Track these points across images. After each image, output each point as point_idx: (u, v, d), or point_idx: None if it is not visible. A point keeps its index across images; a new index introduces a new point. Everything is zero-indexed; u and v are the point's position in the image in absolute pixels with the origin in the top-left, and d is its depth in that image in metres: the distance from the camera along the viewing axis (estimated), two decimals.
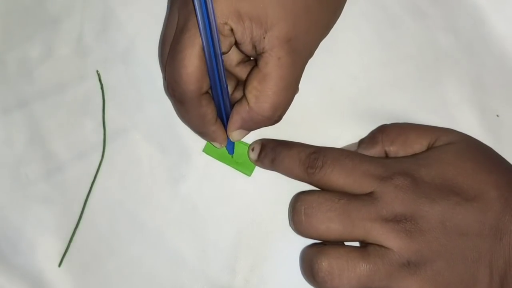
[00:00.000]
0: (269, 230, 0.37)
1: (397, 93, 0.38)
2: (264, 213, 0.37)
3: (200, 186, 0.38)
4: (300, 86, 0.37)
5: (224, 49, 0.31)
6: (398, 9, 0.39)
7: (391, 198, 0.31)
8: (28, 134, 0.39)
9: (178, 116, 0.37)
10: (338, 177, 0.32)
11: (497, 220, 0.30)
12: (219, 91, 0.32)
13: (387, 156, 0.35)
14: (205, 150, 0.38)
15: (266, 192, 0.37)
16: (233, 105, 0.34)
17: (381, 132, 0.36)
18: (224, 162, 0.38)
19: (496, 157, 0.34)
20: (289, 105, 0.33)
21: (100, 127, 0.38)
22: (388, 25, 0.39)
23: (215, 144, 0.35)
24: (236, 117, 0.33)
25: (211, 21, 0.28)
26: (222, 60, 0.31)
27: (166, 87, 0.34)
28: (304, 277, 0.33)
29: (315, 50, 0.34)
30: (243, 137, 0.35)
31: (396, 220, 0.30)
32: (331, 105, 0.38)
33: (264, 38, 0.30)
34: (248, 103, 0.32)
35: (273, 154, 0.35)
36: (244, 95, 0.32)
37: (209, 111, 0.33)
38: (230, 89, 0.35)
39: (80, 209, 0.37)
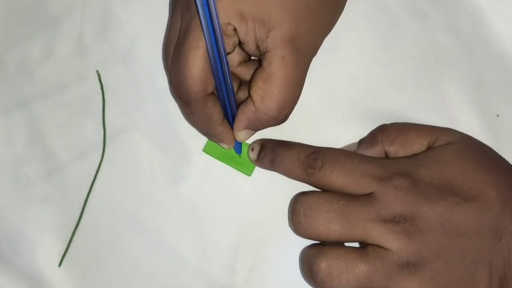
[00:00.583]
0: (269, 230, 0.37)
1: (397, 93, 0.38)
2: (264, 213, 0.37)
3: (200, 186, 0.38)
4: None
5: (228, 49, 0.31)
6: (399, 9, 0.39)
7: (391, 198, 0.31)
8: (28, 134, 0.39)
9: (185, 118, 0.37)
10: (337, 177, 0.32)
11: (497, 220, 0.30)
12: (225, 92, 0.32)
13: (387, 156, 0.35)
14: (205, 150, 0.38)
15: (266, 192, 0.37)
16: (238, 105, 0.34)
17: (381, 132, 0.36)
18: (224, 162, 0.38)
19: (496, 157, 0.34)
20: (295, 104, 0.33)
21: (100, 127, 0.38)
22: (388, 25, 0.39)
23: (223, 145, 0.35)
24: (242, 118, 0.33)
25: (214, 22, 0.28)
26: (227, 61, 0.31)
27: (172, 89, 0.34)
28: (304, 278, 0.33)
29: (318, 49, 0.34)
30: (249, 137, 0.35)
31: (396, 221, 0.30)
32: (331, 105, 0.38)
33: (267, 37, 0.30)
34: (254, 103, 0.32)
35: (272, 154, 0.35)
36: (249, 95, 0.32)
37: (215, 112, 0.33)
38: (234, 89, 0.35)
39: (80, 209, 0.37)
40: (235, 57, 0.35)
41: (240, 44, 0.32)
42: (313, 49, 0.34)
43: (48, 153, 0.38)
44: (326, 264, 0.31)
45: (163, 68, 0.39)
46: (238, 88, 0.36)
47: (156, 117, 0.38)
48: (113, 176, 0.38)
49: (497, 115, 0.38)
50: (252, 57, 0.36)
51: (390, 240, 0.30)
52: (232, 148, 0.37)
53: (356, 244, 0.34)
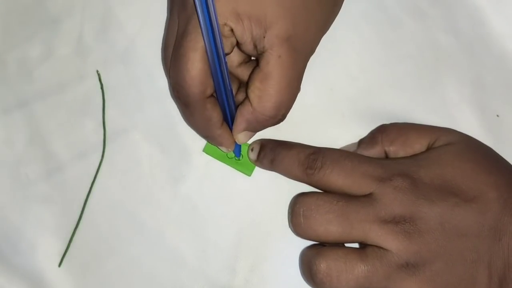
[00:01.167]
0: (269, 230, 0.37)
1: (397, 93, 0.38)
2: (264, 213, 0.37)
3: (200, 186, 0.38)
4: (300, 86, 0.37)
5: (226, 50, 0.31)
6: (398, 9, 0.39)
7: (390, 199, 0.31)
8: (28, 134, 0.39)
9: (184, 120, 0.37)
10: (337, 178, 0.32)
11: (496, 221, 0.30)
12: (224, 94, 0.32)
13: (387, 156, 0.35)
14: (205, 150, 0.38)
15: (266, 192, 0.37)
16: (238, 107, 0.34)
17: (381, 132, 0.36)
18: (224, 162, 0.38)
19: (496, 157, 0.34)
20: (293, 104, 0.33)
21: (100, 127, 0.38)
22: (388, 25, 0.39)
23: (222, 148, 0.35)
24: (241, 119, 0.33)
25: (213, 23, 0.28)
26: (226, 62, 0.31)
27: (171, 91, 0.34)
28: (303, 278, 0.33)
29: (316, 47, 0.34)
30: (249, 139, 0.35)
31: (395, 222, 0.30)
32: (331, 105, 0.38)
33: (264, 37, 0.30)
34: (251, 104, 0.32)
35: (272, 154, 0.35)
36: (247, 96, 0.32)
37: (214, 114, 0.33)
38: (233, 90, 0.35)
39: (80, 209, 0.38)
40: (234, 58, 0.35)
41: (238, 44, 0.32)
42: (311, 47, 0.33)
43: (48, 153, 0.38)
44: (325, 265, 0.31)
45: (163, 69, 0.39)
46: (238, 90, 0.36)
47: (156, 117, 0.38)
48: (113, 176, 0.38)
49: (497, 115, 0.38)
50: (253, 58, 0.36)
51: (389, 240, 0.30)
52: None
53: (356, 245, 0.34)
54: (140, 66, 0.39)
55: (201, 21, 0.28)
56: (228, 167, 0.38)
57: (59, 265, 0.37)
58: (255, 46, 0.31)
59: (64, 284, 0.37)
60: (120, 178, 0.38)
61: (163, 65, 0.38)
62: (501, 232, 0.30)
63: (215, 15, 0.28)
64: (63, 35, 0.40)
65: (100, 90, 0.39)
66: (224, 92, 0.32)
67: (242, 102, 0.33)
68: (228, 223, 0.37)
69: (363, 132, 0.37)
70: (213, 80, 0.31)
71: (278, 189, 0.37)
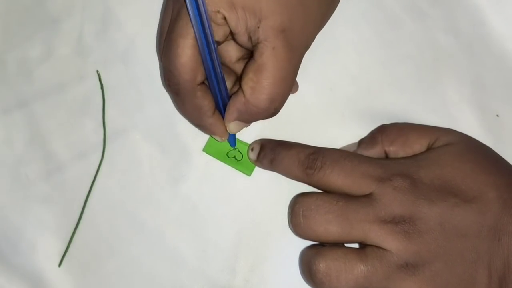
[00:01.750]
0: (269, 230, 0.37)
1: (397, 93, 0.38)
2: (264, 213, 0.37)
3: (200, 186, 0.38)
4: (300, 85, 0.37)
5: (218, 38, 0.31)
6: (398, 9, 0.39)
7: (390, 199, 0.31)
8: (28, 134, 0.39)
9: (177, 109, 0.37)
10: (337, 178, 0.32)
11: (496, 221, 0.30)
12: (214, 81, 0.32)
13: (387, 156, 0.35)
14: (205, 150, 0.38)
15: (266, 192, 0.37)
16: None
17: (381, 132, 0.36)
18: (224, 162, 0.38)
19: (496, 158, 0.34)
20: (286, 98, 0.33)
21: (100, 127, 0.38)
22: (388, 25, 0.39)
23: (215, 137, 0.35)
24: (233, 109, 0.33)
25: (200, 7, 0.28)
26: (216, 49, 0.30)
27: (163, 79, 0.34)
28: (303, 278, 0.33)
29: (311, 43, 0.34)
30: (241, 129, 0.35)
31: (395, 222, 0.30)
32: (331, 105, 0.38)
33: (258, 28, 0.30)
34: (244, 95, 0.32)
35: (272, 154, 0.35)
36: (240, 87, 0.32)
37: (205, 102, 0.32)
38: (229, 84, 0.35)
39: (80, 209, 0.38)
40: (233, 53, 0.35)
41: (233, 35, 0.32)
42: (306, 43, 0.33)
43: (48, 153, 0.38)
44: (325, 265, 0.31)
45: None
46: (235, 83, 0.35)
47: (156, 117, 0.38)
48: (113, 176, 0.38)
49: (497, 115, 0.38)
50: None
51: (389, 241, 0.30)
52: (232, 147, 0.37)
53: (356, 245, 0.34)
54: (140, 66, 0.39)
55: (188, 5, 0.28)
56: (228, 167, 0.38)
57: (59, 265, 0.37)
58: (250, 38, 0.31)
59: (64, 284, 0.37)
60: (120, 178, 0.38)
61: (157, 53, 0.38)
62: (500, 232, 0.30)
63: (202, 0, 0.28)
64: (63, 35, 0.40)
65: (100, 90, 0.39)
66: (215, 79, 0.32)
67: (235, 92, 0.33)
68: (228, 223, 0.37)
69: (363, 132, 0.37)
70: (204, 67, 0.31)
71: (278, 189, 0.37)
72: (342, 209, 0.31)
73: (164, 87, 0.38)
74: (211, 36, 0.30)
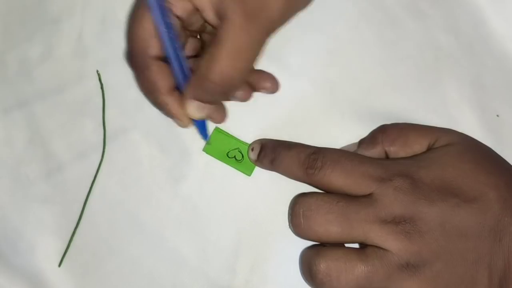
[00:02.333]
0: (269, 230, 0.37)
1: (397, 93, 0.38)
2: (264, 213, 0.37)
3: (200, 186, 0.38)
4: (300, 85, 0.37)
5: (180, 13, 0.31)
6: (398, 9, 0.39)
7: (390, 199, 0.31)
8: (28, 134, 0.39)
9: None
10: (337, 178, 0.32)
11: (497, 221, 0.30)
12: (172, 55, 0.31)
13: (387, 156, 0.35)
14: (205, 150, 0.38)
15: (266, 192, 0.37)
16: None
17: (381, 133, 0.36)
18: (224, 162, 0.38)
19: (496, 158, 0.34)
20: (243, 75, 0.32)
21: (100, 127, 0.38)
22: (388, 25, 0.39)
23: (176, 122, 0.34)
24: (190, 86, 0.32)
25: None
26: (171, 23, 0.30)
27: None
28: (303, 279, 0.33)
29: (281, 21, 0.32)
30: (203, 114, 0.33)
31: (395, 222, 0.30)
32: (331, 105, 0.38)
33: (222, 2, 0.30)
34: (200, 69, 0.31)
35: (272, 154, 0.35)
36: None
37: (159, 77, 0.32)
38: None
39: (80, 209, 0.38)
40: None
41: (201, 13, 0.31)
42: (271, 18, 0.31)
43: (48, 153, 0.38)
44: (325, 265, 0.31)
45: None
46: None
47: (156, 117, 0.38)
48: (113, 176, 0.38)
49: (497, 115, 0.38)
50: None
51: (389, 241, 0.30)
52: (227, 146, 0.37)
53: (357, 245, 0.34)
54: None
55: None
56: (228, 167, 0.38)
57: (59, 265, 0.37)
58: (218, 15, 0.30)
59: (64, 284, 0.37)
60: (120, 178, 0.38)
61: None
62: (501, 233, 0.30)
63: None
64: (63, 35, 0.40)
65: (100, 90, 0.39)
66: (173, 55, 0.31)
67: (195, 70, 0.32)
68: (228, 223, 0.37)
69: (363, 132, 0.37)
70: (162, 43, 0.31)
71: (278, 189, 0.37)
72: (342, 209, 0.31)
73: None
74: (164, 7, 0.30)
